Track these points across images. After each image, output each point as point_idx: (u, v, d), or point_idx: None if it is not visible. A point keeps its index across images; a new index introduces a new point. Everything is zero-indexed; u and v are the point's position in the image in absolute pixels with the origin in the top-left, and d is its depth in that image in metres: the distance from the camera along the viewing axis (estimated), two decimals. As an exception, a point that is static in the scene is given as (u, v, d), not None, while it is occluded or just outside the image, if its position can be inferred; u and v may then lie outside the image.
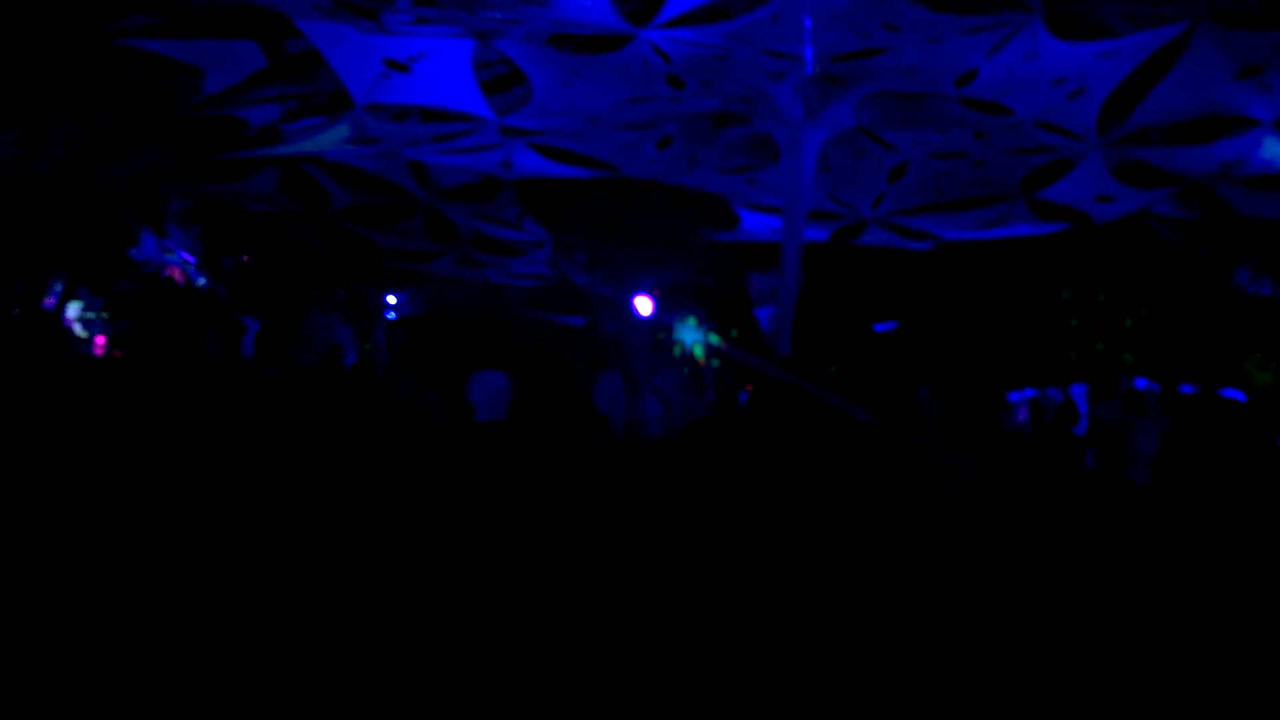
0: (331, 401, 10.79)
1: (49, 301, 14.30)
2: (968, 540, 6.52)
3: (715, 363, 16.66)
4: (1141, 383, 13.30)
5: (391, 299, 19.52)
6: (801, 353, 10.71)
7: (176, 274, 16.59)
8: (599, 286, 15.93)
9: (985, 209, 13.12)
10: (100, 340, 15.72)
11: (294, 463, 7.86)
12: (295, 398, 9.81)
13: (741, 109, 10.26)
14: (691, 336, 16.73)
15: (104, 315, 15.80)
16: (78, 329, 15.68)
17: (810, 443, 8.80)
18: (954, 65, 9.09)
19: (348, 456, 8.57)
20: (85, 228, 13.68)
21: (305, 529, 6.14)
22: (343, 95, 8.75)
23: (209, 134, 10.17)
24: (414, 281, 18.76)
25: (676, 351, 16.71)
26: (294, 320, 18.12)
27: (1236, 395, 13.22)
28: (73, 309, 15.58)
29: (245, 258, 17.50)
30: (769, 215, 13.62)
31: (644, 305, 15.30)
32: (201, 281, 16.85)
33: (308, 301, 18.55)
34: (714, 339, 16.91)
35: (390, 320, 19.72)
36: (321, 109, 9.63)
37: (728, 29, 8.21)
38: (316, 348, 18.16)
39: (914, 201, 13.03)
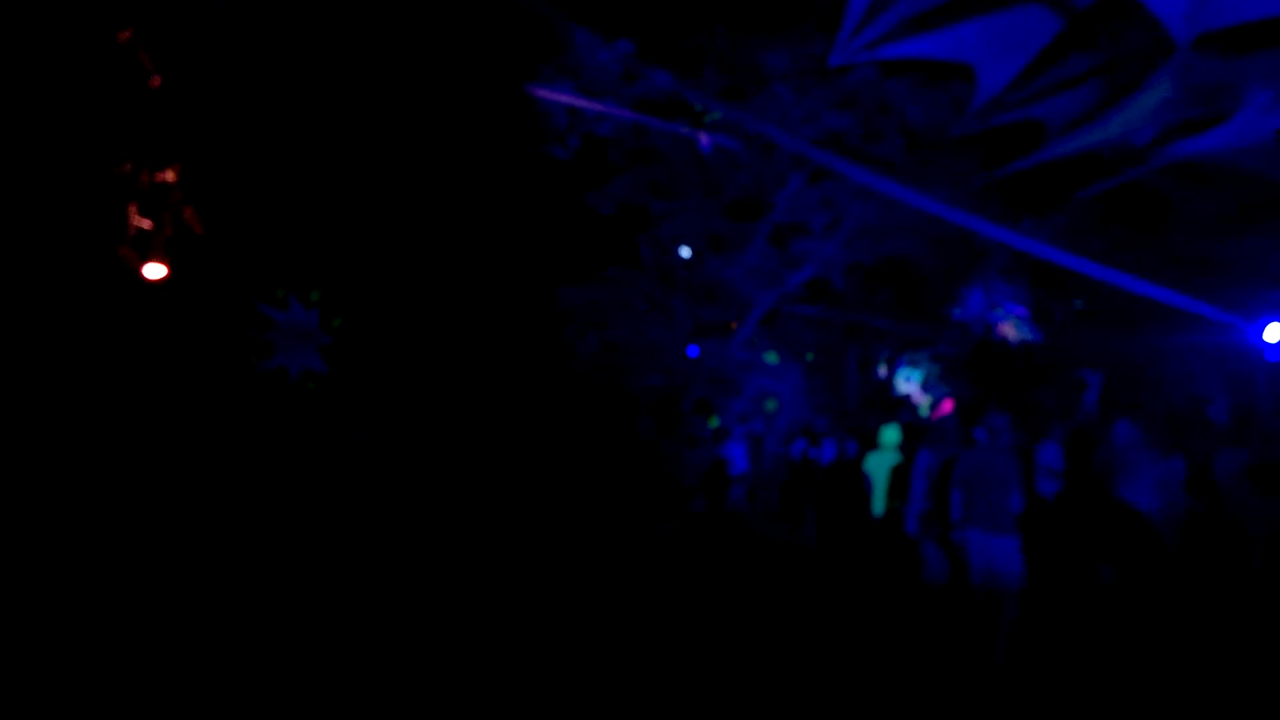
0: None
1: (880, 371, 14.66)
2: None
3: None
4: None
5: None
6: None
7: (1008, 330, 15.66)
8: None
9: None
10: (947, 405, 15.58)
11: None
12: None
13: None
14: None
15: (939, 379, 15.66)
16: (917, 396, 15.83)
17: None
18: None
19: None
20: (903, 291, 13.66)
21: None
22: (1158, 36, 6.17)
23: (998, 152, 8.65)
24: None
25: None
26: (1143, 368, 15.15)
27: None
28: (912, 377, 15.81)
29: (1078, 303, 15.46)
30: None
31: None
32: (1031, 336, 15.45)
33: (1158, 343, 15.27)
34: None
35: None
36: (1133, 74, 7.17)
37: None
38: (1175, 397, 14.88)
39: None
